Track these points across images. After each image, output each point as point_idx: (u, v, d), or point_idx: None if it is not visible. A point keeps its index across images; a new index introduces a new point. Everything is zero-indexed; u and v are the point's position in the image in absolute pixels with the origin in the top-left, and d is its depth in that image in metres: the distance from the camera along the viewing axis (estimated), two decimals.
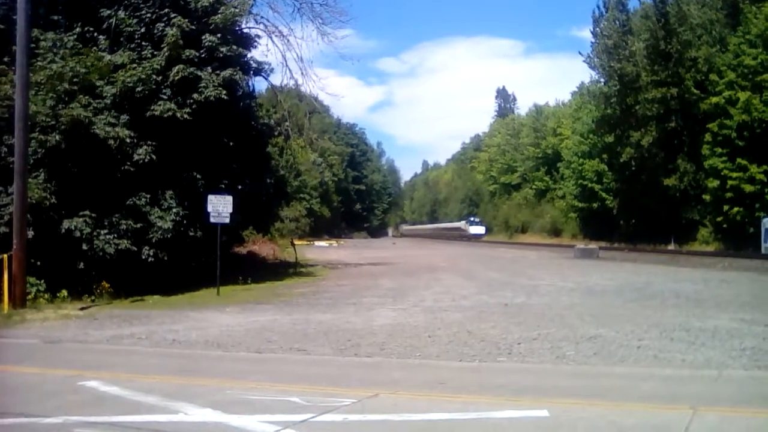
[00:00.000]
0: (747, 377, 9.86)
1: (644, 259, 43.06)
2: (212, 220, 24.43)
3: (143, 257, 24.74)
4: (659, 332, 13.56)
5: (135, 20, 27.96)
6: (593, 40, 70.42)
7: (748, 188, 47.36)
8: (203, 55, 28.05)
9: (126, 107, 25.85)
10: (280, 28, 36.54)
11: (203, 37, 28.17)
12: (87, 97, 24.62)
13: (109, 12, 27.84)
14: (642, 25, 62.82)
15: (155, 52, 27.36)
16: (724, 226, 51.37)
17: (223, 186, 27.28)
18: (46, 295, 21.27)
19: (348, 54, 76.96)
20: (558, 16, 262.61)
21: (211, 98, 26.89)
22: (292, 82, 39.02)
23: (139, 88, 25.86)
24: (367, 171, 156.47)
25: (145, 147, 25.16)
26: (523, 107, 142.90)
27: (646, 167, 60.50)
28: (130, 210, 24.86)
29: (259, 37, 34.24)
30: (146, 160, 25.05)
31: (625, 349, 11.84)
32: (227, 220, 24.65)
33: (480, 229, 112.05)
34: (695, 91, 56.58)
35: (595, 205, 72.51)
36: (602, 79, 70.85)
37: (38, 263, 21.50)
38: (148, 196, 25.61)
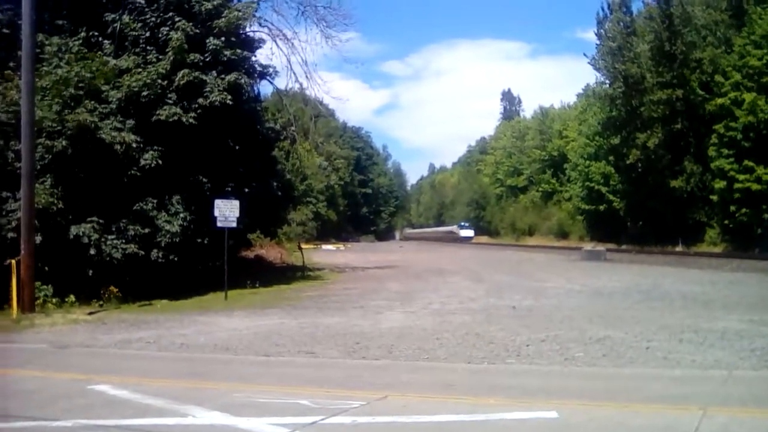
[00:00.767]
0: (757, 377, 9.83)
1: (652, 261, 43.00)
2: (219, 224, 24.41)
3: (152, 259, 24.78)
4: (668, 334, 13.52)
5: (140, 24, 28.06)
6: (598, 42, 70.21)
7: (755, 189, 47.18)
8: (208, 59, 28.09)
9: (132, 112, 25.92)
10: (284, 32, 36.71)
11: (208, 41, 28.22)
12: (93, 102, 24.70)
13: (113, 16, 27.95)
14: (646, 26, 62.59)
15: (160, 57, 27.43)
16: (732, 227, 51.21)
17: (229, 190, 27.31)
18: (54, 300, 21.28)
19: (352, 57, 77.62)
20: (563, 18, 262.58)
21: (217, 103, 26.92)
22: (297, 86, 39.19)
23: (144, 93, 25.94)
24: (373, 174, 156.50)
25: (151, 152, 25.23)
26: (528, 110, 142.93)
27: (653, 169, 60.31)
28: (137, 215, 24.92)
29: (263, 40, 34.40)
30: (152, 165, 25.12)
31: (634, 351, 11.80)
32: (234, 225, 24.64)
33: (469, 233, 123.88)
34: (701, 92, 56.39)
35: (601, 207, 72.30)
36: (607, 81, 70.56)
37: (46, 268, 21.55)
38: (155, 201, 25.66)
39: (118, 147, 24.23)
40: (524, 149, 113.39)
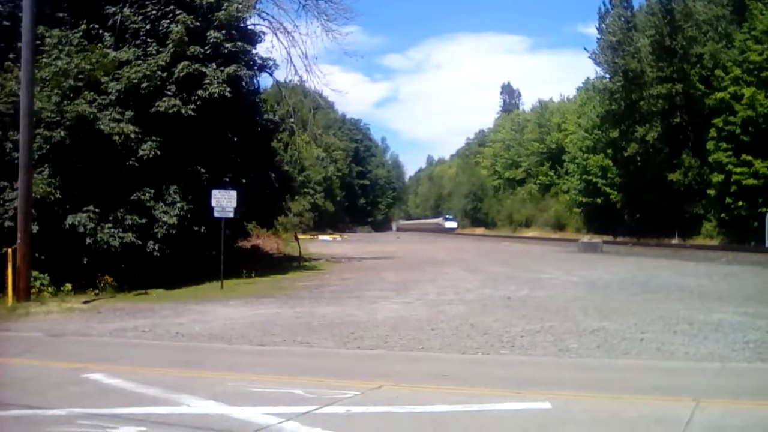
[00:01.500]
0: (750, 370, 9.88)
1: (648, 253, 43.08)
2: (216, 214, 24.48)
3: (148, 251, 24.79)
4: (662, 325, 13.57)
5: (140, 17, 28.02)
6: (599, 37, 70.28)
7: (752, 183, 47.27)
8: (208, 52, 28.06)
9: (131, 103, 25.89)
10: (284, 25, 36.63)
11: (208, 34, 28.20)
12: (92, 94, 24.68)
13: (114, 9, 27.92)
14: (647, 21, 62.62)
15: (160, 49, 27.40)
16: (728, 220, 51.33)
17: (227, 180, 27.35)
18: (50, 289, 21.27)
19: (353, 50, 77.69)
20: (564, 12, 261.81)
21: (216, 95, 26.90)
22: (296, 78, 39.17)
23: (144, 85, 25.91)
24: (371, 166, 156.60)
25: (149, 142, 25.23)
26: (527, 103, 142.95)
27: (651, 162, 60.39)
28: (134, 205, 24.91)
29: (263, 33, 34.32)
30: (151, 156, 25.12)
31: (628, 342, 11.84)
32: (231, 215, 24.71)
33: (453, 224, 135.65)
34: (700, 86, 56.46)
35: (599, 199, 72.43)
36: (607, 75, 70.65)
37: (42, 257, 21.55)
38: (153, 191, 25.65)
39: (117, 138, 24.23)
40: (523, 142, 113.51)
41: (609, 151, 70.01)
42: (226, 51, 28.46)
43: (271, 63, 33.95)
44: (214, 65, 27.83)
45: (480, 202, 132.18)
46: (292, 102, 39.26)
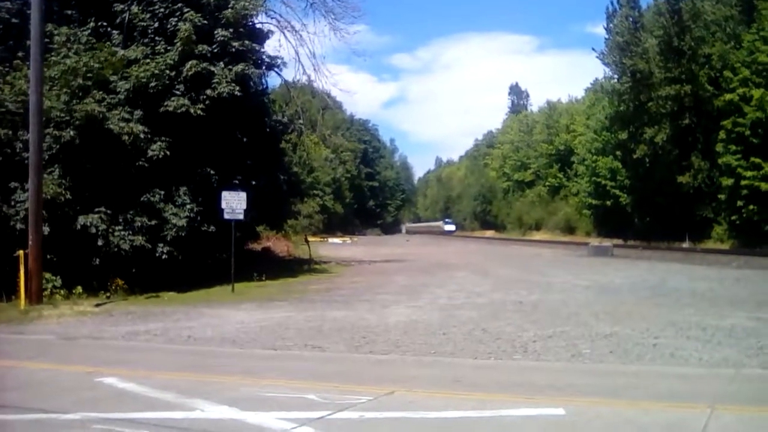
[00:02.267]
0: (765, 375, 9.83)
1: (658, 257, 42.89)
2: (226, 216, 24.47)
3: (157, 254, 24.83)
4: (675, 330, 13.51)
5: (148, 15, 28.13)
6: (606, 37, 69.99)
7: (763, 186, 47.02)
8: (216, 50, 28.12)
9: (140, 103, 25.98)
10: (292, 23, 36.58)
11: (216, 32, 28.25)
12: (101, 93, 24.78)
13: (122, 7, 28.05)
14: (655, 21, 62.35)
15: (168, 47, 27.48)
16: (739, 224, 51.05)
17: (236, 182, 27.32)
18: (62, 291, 21.34)
19: (361, 50, 77.08)
20: (572, 12, 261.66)
21: (224, 94, 26.93)
22: (304, 78, 39.09)
23: (152, 84, 25.99)
24: (380, 167, 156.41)
25: (159, 143, 25.29)
26: (536, 104, 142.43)
27: (660, 164, 60.14)
28: (144, 206, 24.97)
29: (271, 32, 34.39)
30: (160, 156, 25.18)
31: (641, 348, 11.79)
32: (241, 217, 24.69)
33: (451, 227, 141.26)
34: (709, 87, 56.18)
35: (608, 202, 72.08)
36: (615, 76, 70.35)
37: (54, 259, 21.64)
38: (162, 192, 25.70)
39: (126, 138, 24.29)
40: (531, 143, 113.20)
41: (618, 153, 69.64)
42: (233, 50, 28.50)
43: (279, 62, 33.99)
44: (222, 64, 27.87)
45: (489, 204, 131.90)
46: (300, 102, 39.25)
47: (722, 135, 51.62)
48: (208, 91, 26.93)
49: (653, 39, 60.77)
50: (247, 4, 29.67)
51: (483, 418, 7.76)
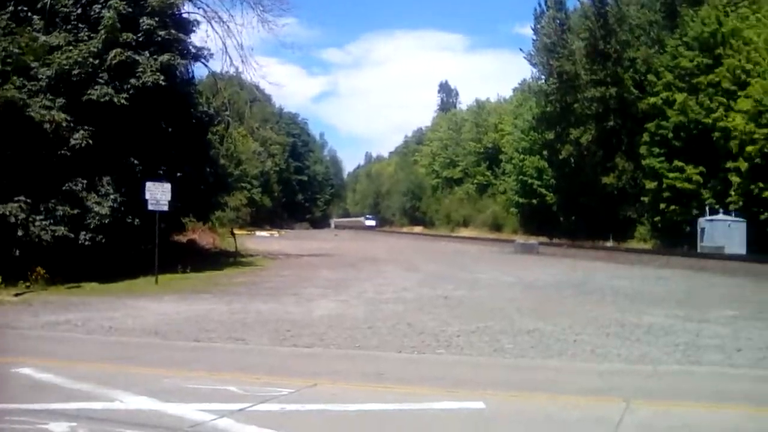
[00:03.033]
0: (681, 372, 10.10)
1: (583, 255, 43.72)
2: (150, 207, 24.04)
3: (81, 241, 24.26)
4: (596, 327, 13.81)
5: (71, 1, 27.30)
6: (534, 38, 71.15)
7: (686, 187, 48.33)
8: (141, 39, 27.52)
9: (62, 90, 25.28)
10: (219, 14, 35.98)
11: (141, 20, 27.62)
12: (21, 79, 24.08)
13: None
14: (581, 24, 63.53)
15: (92, 35, 26.74)
16: (661, 224, 52.41)
17: (161, 173, 26.83)
18: None
19: (290, 43, 76.01)
20: (502, 12, 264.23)
21: (149, 83, 26.39)
22: (232, 69, 38.55)
23: (75, 71, 25.30)
24: (309, 161, 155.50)
25: (81, 132, 24.65)
26: (465, 102, 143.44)
27: (585, 165, 61.37)
28: (66, 195, 24.34)
29: (198, 22, 33.80)
30: (83, 145, 24.55)
31: (562, 343, 12.01)
32: (165, 208, 24.30)
33: (372, 222, 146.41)
34: (634, 90, 57.52)
35: (535, 201, 73.21)
36: (543, 77, 71.51)
37: None
38: (85, 181, 25.08)
39: (48, 126, 23.65)
40: (460, 141, 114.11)
41: (545, 152, 70.79)
42: (159, 39, 27.95)
43: (206, 52, 33.37)
44: (147, 53, 27.29)
45: (418, 200, 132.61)
46: (227, 94, 38.78)
47: (646, 137, 52.91)
48: (133, 81, 26.34)
49: (580, 41, 61.97)
50: None
51: (404, 410, 7.82)
